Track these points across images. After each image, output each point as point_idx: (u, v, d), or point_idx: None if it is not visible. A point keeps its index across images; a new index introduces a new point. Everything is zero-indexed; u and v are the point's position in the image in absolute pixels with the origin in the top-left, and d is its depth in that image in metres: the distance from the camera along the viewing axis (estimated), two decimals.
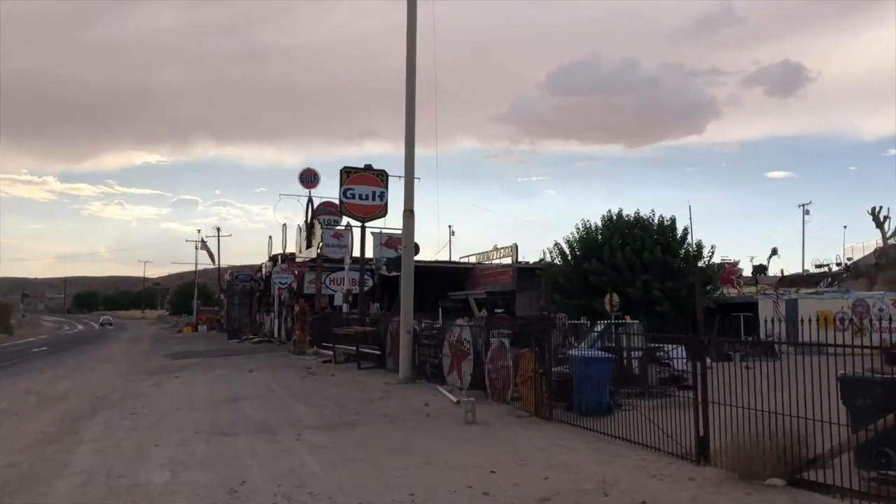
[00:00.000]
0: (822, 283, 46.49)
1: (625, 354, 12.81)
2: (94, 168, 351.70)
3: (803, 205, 62.51)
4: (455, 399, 12.81)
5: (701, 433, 8.06)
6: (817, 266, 53.26)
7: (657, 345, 14.63)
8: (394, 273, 26.34)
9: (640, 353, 13.18)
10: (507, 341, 13.33)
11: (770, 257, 59.52)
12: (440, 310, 28.89)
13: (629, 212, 30.10)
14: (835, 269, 52.47)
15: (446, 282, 37.75)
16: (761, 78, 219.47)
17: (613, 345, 13.08)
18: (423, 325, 18.37)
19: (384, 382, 16.49)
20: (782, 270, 54.19)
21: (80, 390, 16.93)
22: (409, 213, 17.10)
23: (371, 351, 20.76)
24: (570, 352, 12.10)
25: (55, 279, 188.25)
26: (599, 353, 11.81)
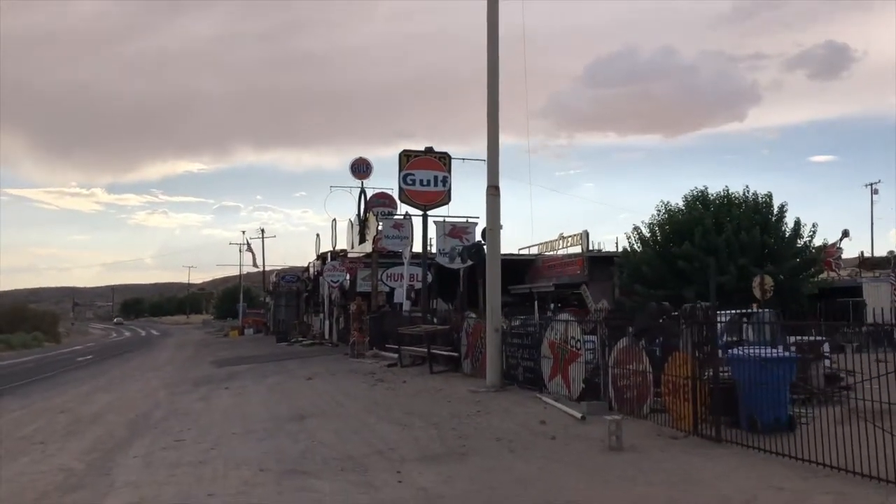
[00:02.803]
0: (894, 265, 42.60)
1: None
2: (139, 178, 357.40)
3: (871, 184, 57.89)
4: (578, 414, 10.12)
5: None
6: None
7: (819, 338, 11.86)
8: (459, 265, 23.79)
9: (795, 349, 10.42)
10: (640, 341, 10.57)
11: (841, 239, 55.42)
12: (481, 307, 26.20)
13: (716, 189, 27.05)
14: None
15: (504, 276, 35.01)
16: (804, 61, 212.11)
17: (797, 340, 10.30)
18: (511, 321, 15.71)
19: (469, 391, 13.88)
20: (862, 253, 50.16)
21: (118, 407, 14.67)
22: (493, 190, 14.47)
23: (445, 353, 18.18)
24: (733, 351, 9.31)
25: (102, 288, 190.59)
26: (778, 351, 9.01)
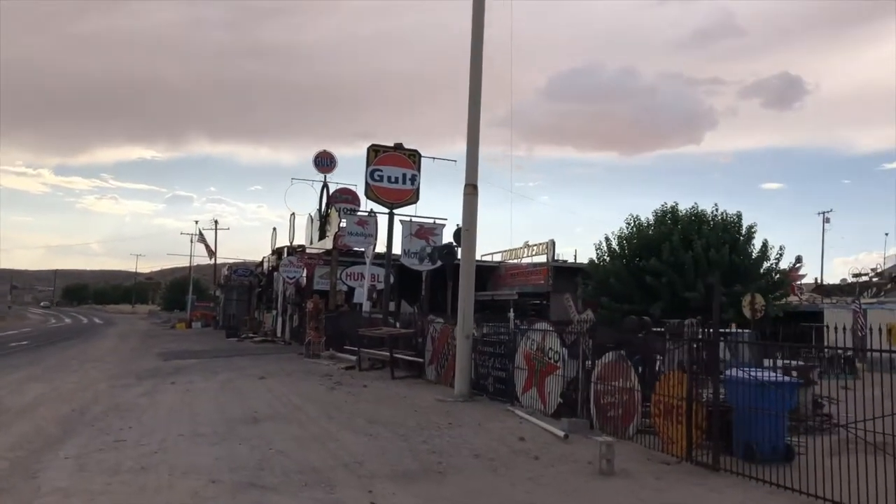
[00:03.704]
0: (865, 294, 43.34)
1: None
2: (89, 162, 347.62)
3: (824, 212, 59.08)
4: (561, 432, 9.40)
5: None
6: (855, 276, 50.08)
7: (808, 363, 11.43)
8: (428, 266, 22.97)
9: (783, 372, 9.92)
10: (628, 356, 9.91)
11: (794, 265, 56.33)
12: (449, 311, 25.44)
13: (691, 205, 26.76)
14: (872, 279, 49.37)
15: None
16: (759, 89, 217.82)
17: (796, 363, 9.77)
18: (482, 328, 14.96)
19: (436, 399, 13.08)
20: (816, 279, 50.98)
21: (52, 399, 13.46)
22: (471, 189, 13.73)
23: (408, 357, 17.33)
24: (729, 372, 8.71)
25: (45, 271, 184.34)
26: (778, 375, 8.43)
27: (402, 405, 12.52)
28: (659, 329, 13.47)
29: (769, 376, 8.27)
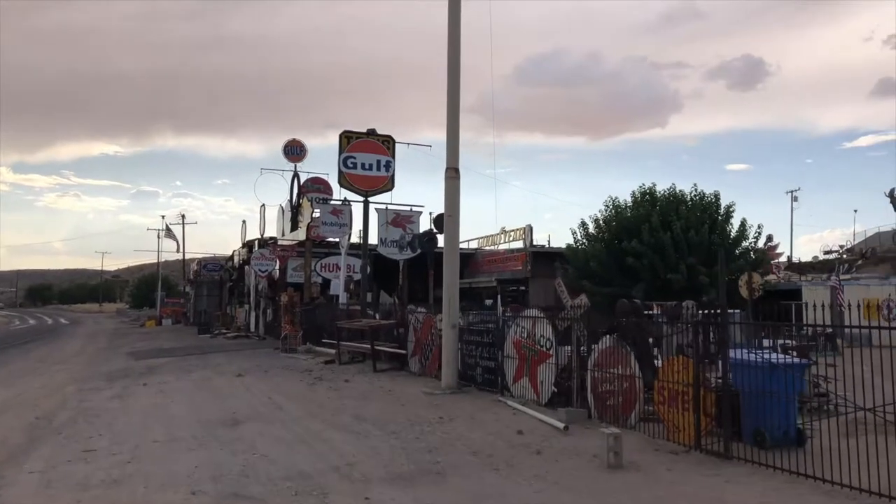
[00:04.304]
0: (837, 270, 43.67)
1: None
2: (49, 158, 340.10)
3: (791, 191, 59.37)
4: (560, 424, 8.96)
5: None
6: (826, 252, 50.51)
7: (807, 342, 11.16)
8: (408, 255, 22.40)
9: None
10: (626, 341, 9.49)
11: (767, 244, 56.72)
12: (431, 301, 24.96)
13: (662, 187, 26.53)
14: (842, 255, 49.78)
15: (440, 269, 33.85)
16: (723, 72, 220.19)
17: (799, 343, 9.43)
18: (468, 317, 14.48)
19: (423, 392, 12.60)
20: (789, 257, 51.31)
21: (16, 405, 12.72)
22: (452, 173, 13.21)
23: (390, 349, 16.79)
24: (735, 354, 8.31)
25: (7, 272, 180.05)
26: (787, 356, 8.06)
27: (388, 400, 12.01)
28: (649, 312, 13.10)
29: (777, 358, 7.89)
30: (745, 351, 8.28)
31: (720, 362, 7.97)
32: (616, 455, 7.10)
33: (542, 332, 11.19)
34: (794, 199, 57.82)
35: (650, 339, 10.44)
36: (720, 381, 7.99)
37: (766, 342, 9.82)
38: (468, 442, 8.35)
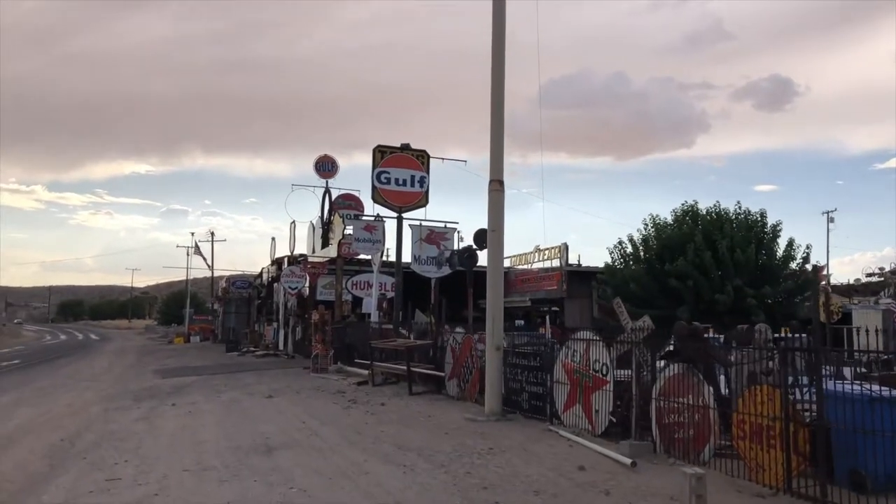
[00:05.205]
0: (883, 293, 42.14)
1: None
2: (83, 177, 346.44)
3: (828, 212, 57.74)
4: (627, 460, 8.13)
5: None
6: (868, 275, 48.88)
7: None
8: (446, 272, 21.68)
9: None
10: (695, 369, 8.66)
11: (803, 265, 55.12)
12: (470, 321, 24.17)
13: (706, 204, 25.60)
14: (890, 278, 48.13)
15: (473, 289, 33.07)
16: (750, 92, 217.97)
17: (879, 371, 8.53)
18: (514, 338, 13.70)
19: (465, 418, 11.82)
20: (829, 279, 49.76)
21: (40, 426, 12.18)
22: (497, 185, 12.51)
23: (427, 371, 16.04)
24: (828, 386, 7.46)
25: (39, 288, 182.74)
26: (889, 388, 7.18)
27: (429, 426, 11.25)
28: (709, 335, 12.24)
29: (879, 390, 7.03)
30: (835, 381, 7.45)
31: (805, 393, 7.12)
32: (699, 499, 6.28)
33: (596, 355, 10.39)
34: (831, 220, 56.14)
35: (716, 366, 9.63)
36: (813, 415, 7.14)
37: (850, 372, 9.00)
38: (526, 479, 7.56)
